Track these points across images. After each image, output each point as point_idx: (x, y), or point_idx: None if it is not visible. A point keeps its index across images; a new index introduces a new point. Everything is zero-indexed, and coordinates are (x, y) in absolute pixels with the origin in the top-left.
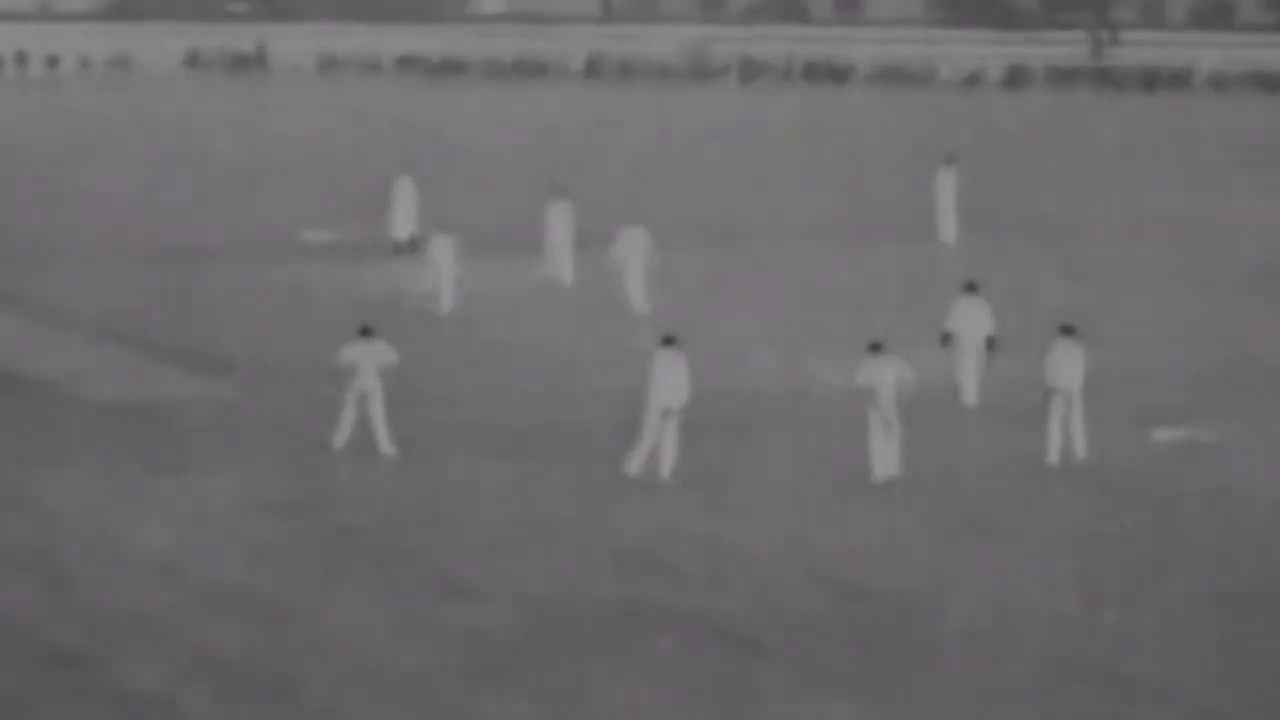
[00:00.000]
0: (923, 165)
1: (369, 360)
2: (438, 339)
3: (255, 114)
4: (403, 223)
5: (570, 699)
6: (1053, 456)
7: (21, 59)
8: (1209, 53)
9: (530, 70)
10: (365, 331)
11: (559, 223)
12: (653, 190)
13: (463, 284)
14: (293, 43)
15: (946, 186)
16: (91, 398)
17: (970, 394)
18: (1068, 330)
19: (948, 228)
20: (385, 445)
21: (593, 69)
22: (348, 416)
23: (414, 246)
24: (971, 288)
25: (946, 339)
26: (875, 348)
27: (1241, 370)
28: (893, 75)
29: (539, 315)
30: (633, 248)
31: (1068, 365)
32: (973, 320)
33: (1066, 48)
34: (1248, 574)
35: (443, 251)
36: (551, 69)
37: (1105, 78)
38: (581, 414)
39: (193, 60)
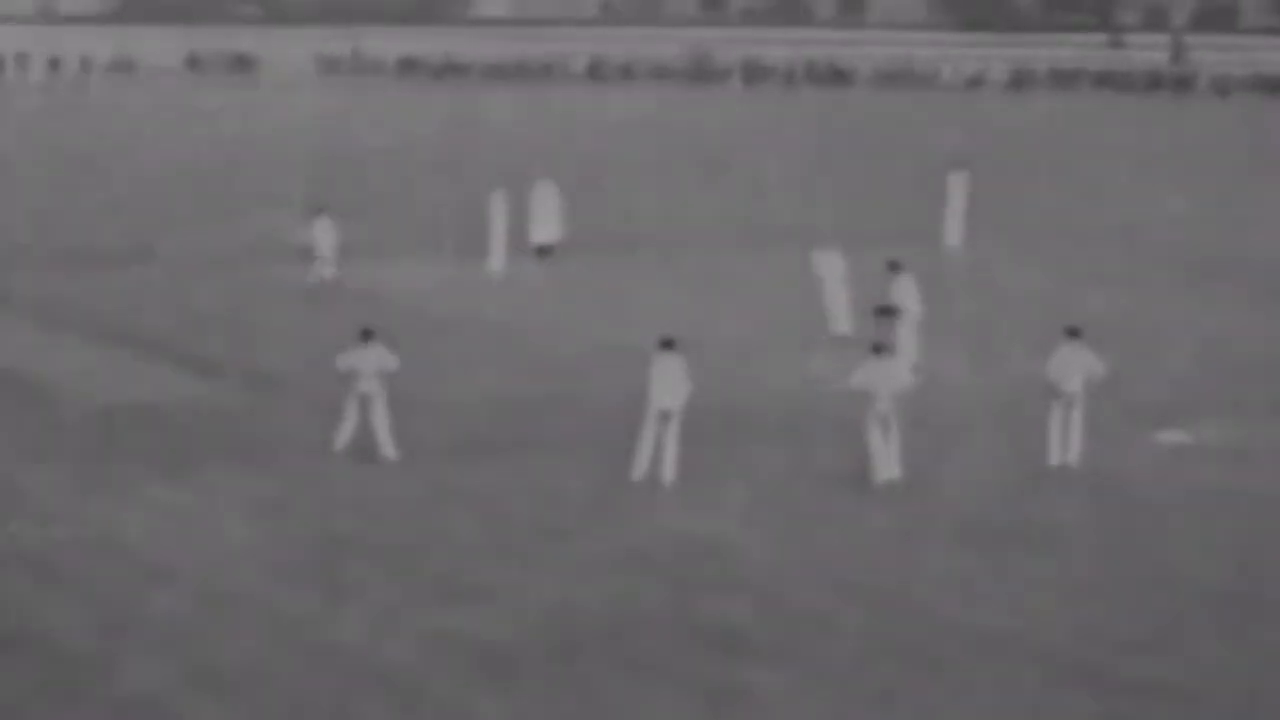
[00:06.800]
0: (927, 168)
1: (369, 364)
2: (438, 341)
3: (255, 116)
4: (543, 228)
5: (571, 703)
6: (1054, 458)
7: (23, 60)
8: (1212, 56)
9: (532, 72)
10: (365, 335)
11: (500, 215)
12: (655, 193)
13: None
14: (292, 45)
15: (956, 191)
16: (91, 400)
17: (907, 357)
18: (1074, 333)
19: (954, 231)
20: (386, 449)
21: (595, 71)
22: (349, 420)
23: (553, 252)
24: (895, 266)
25: (888, 311)
26: (876, 350)
27: (1244, 372)
28: (896, 78)
29: (536, 315)
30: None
31: (1073, 368)
32: (909, 295)
33: (1069, 50)
34: (1249, 576)
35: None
36: (554, 71)
37: (1185, 84)
38: (581, 416)
39: (193, 62)
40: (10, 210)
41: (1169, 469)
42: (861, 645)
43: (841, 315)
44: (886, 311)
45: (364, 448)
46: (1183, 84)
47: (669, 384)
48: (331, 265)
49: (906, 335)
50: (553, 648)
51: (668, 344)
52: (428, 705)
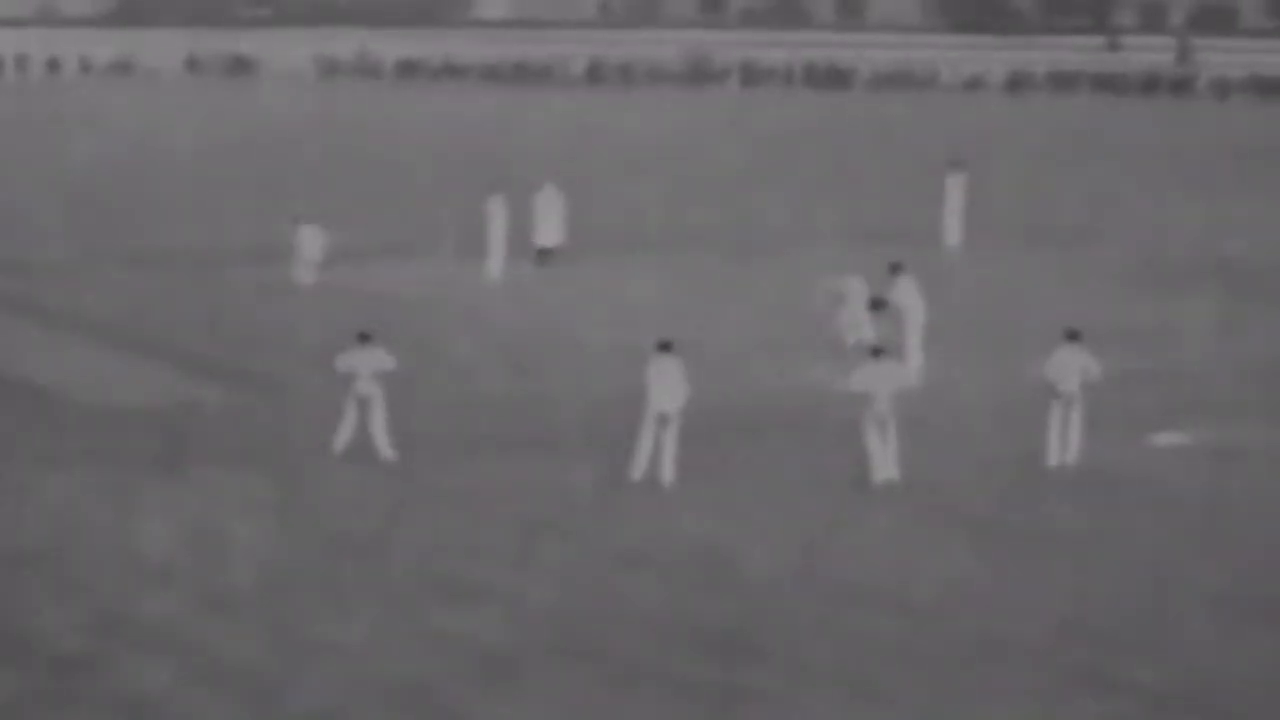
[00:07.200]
0: (925, 170)
1: (367, 366)
2: (436, 343)
3: (252, 117)
4: (546, 231)
5: (569, 704)
6: (1052, 459)
7: (22, 62)
8: (1214, 57)
9: (531, 75)
10: (363, 337)
11: (498, 217)
12: (656, 194)
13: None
14: (293, 47)
15: (954, 192)
16: (90, 401)
17: (914, 362)
18: (1073, 335)
19: (952, 233)
20: (385, 450)
21: (594, 73)
22: (347, 421)
23: (556, 255)
24: (896, 268)
25: (880, 304)
26: (875, 352)
27: (1243, 373)
28: (894, 80)
29: (535, 317)
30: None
31: (1071, 370)
32: (912, 296)
33: (1067, 52)
34: (1249, 576)
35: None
36: (553, 73)
37: (1184, 86)
38: (580, 417)
39: (192, 64)
40: (8, 212)
41: (1167, 470)
42: (860, 646)
43: (859, 326)
44: (878, 305)
45: (363, 449)
46: (1181, 86)
47: (667, 386)
48: (312, 272)
49: (912, 337)
50: (551, 648)
51: (666, 346)
52: (427, 706)
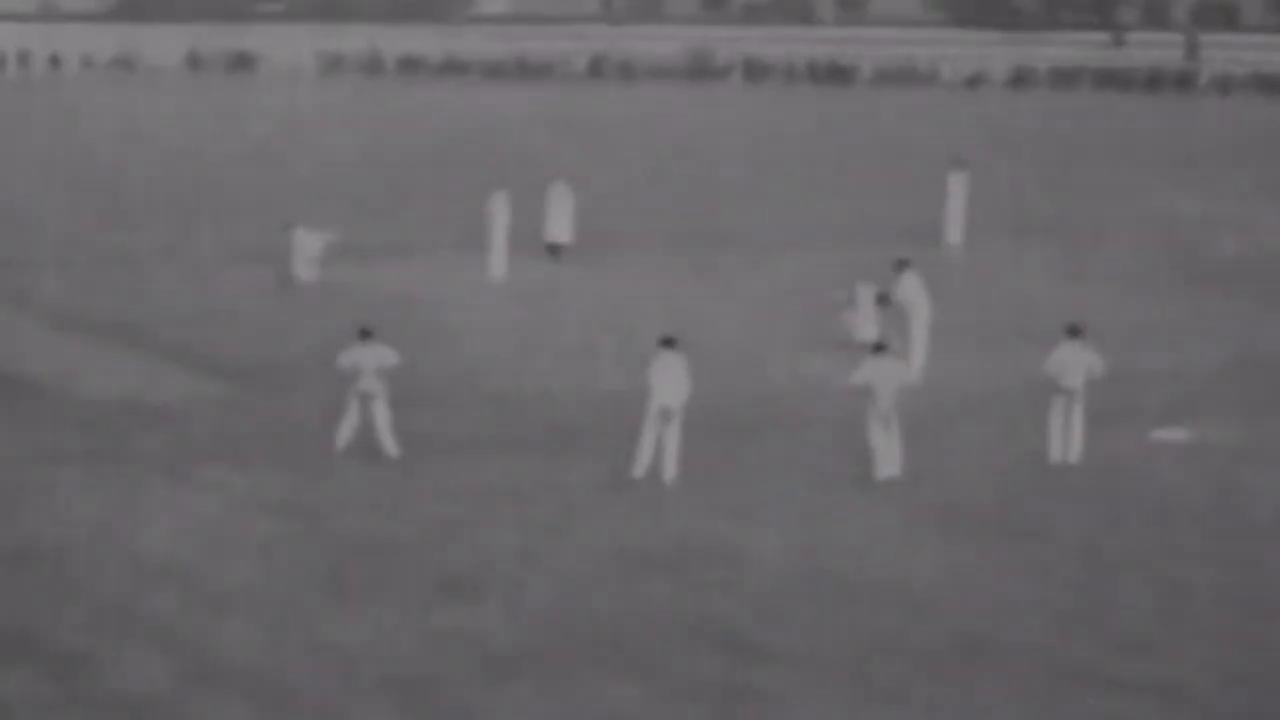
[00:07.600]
0: (927, 167)
1: (370, 362)
2: (438, 340)
3: (255, 114)
4: (558, 227)
5: (572, 703)
6: (1054, 456)
7: (24, 58)
8: (1220, 54)
9: (533, 71)
10: (365, 333)
11: (500, 215)
12: (658, 192)
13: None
14: (297, 43)
15: (957, 190)
16: (92, 398)
17: (918, 359)
18: (1074, 331)
19: (955, 230)
20: (389, 447)
21: (596, 69)
22: (350, 418)
23: (567, 251)
24: (902, 264)
25: (885, 300)
26: (877, 348)
27: (1241, 370)
28: (896, 76)
29: (537, 314)
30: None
31: (1073, 366)
32: (917, 293)
33: (1070, 48)
34: (1249, 576)
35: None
36: (554, 69)
37: (1186, 83)
38: (583, 415)
39: (194, 61)
40: (10, 210)
41: (1170, 467)
42: (863, 644)
43: (867, 326)
44: (883, 300)
45: (366, 446)
46: (1184, 82)
47: (670, 382)
48: (313, 269)
49: (917, 334)
50: (554, 646)
51: (668, 342)
52: (429, 704)
